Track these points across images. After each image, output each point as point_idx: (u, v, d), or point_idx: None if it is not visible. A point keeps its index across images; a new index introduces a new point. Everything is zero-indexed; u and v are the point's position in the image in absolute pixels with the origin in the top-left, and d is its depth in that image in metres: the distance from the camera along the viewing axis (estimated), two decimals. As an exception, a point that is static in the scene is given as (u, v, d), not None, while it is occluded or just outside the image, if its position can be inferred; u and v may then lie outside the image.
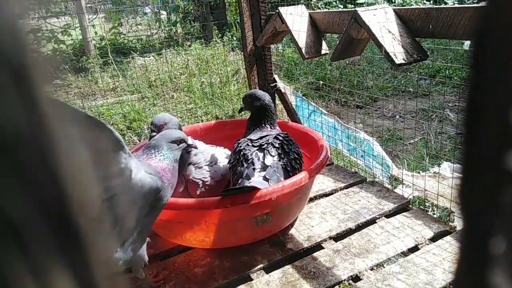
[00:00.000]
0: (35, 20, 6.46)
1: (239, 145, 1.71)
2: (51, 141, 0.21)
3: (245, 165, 1.60)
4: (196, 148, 1.60)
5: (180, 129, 1.73)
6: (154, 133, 1.68)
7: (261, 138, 1.71)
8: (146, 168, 1.24)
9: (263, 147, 1.66)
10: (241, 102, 1.95)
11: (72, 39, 5.96)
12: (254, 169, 1.58)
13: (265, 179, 1.54)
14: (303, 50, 2.01)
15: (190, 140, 1.48)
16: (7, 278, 0.20)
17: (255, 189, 1.42)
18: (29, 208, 0.21)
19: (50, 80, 0.22)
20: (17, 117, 0.20)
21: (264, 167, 1.58)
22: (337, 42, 1.80)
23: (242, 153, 1.65)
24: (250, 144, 1.68)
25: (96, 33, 6.38)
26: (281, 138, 1.70)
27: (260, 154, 1.63)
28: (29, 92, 0.20)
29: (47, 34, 5.72)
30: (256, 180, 1.53)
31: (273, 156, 1.62)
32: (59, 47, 5.84)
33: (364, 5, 5.68)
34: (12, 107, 0.19)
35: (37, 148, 0.21)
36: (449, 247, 1.56)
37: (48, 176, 0.21)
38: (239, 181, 1.56)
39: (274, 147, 1.65)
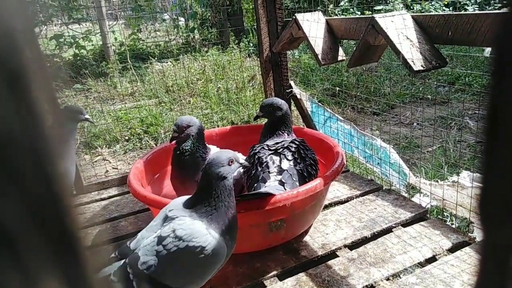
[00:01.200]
0: (58, 26, 6.65)
1: (254, 149, 1.72)
2: (45, 144, 0.21)
3: (260, 169, 1.60)
4: (247, 166, 1.44)
5: (201, 130, 1.75)
6: (175, 134, 1.70)
7: (277, 143, 1.71)
8: (213, 232, 1.14)
9: (278, 151, 1.65)
10: (258, 110, 1.93)
11: (92, 45, 6.10)
12: (269, 172, 1.57)
13: (281, 183, 1.53)
14: (320, 57, 2.00)
15: (241, 159, 1.33)
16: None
17: (270, 195, 1.41)
18: (22, 214, 0.20)
19: (47, 83, 0.22)
20: (11, 119, 0.19)
21: (280, 171, 1.58)
22: (354, 49, 1.79)
23: (256, 156, 1.65)
24: (266, 149, 1.68)
25: (115, 39, 6.51)
26: (297, 143, 1.70)
27: (276, 158, 1.63)
28: (24, 95, 0.20)
29: (69, 40, 5.87)
30: (272, 184, 1.53)
31: (290, 161, 1.61)
32: (80, 53, 5.98)
33: (382, 11, 5.64)
34: (5, 109, 0.19)
35: (31, 151, 0.20)
36: (468, 258, 1.52)
37: (42, 180, 0.21)
38: (255, 185, 1.55)
39: (290, 151, 1.65)
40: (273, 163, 1.61)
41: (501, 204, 0.23)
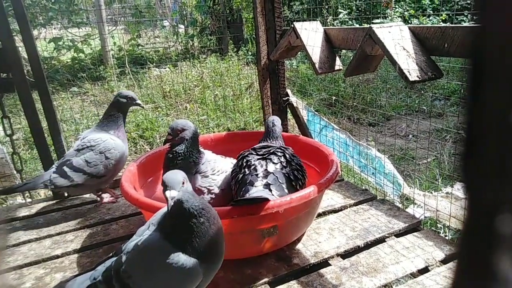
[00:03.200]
0: (57, 29, 6.66)
1: (242, 154, 1.74)
2: None
3: (248, 172, 1.60)
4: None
5: (196, 135, 1.74)
6: (170, 137, 1.70)
7: (263, 148, 1.73)
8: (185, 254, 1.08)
9: (265, 156, 1.67)
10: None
11: (91, 49, 6.11)
12: (257, 175, 1.58)
13: (267, 185, 1.53)
14: (317, 65, 2.01)
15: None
16: None
17: (265, 200, 1.40)
18: None
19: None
20: None
21: (266, 175, 1.58)
22: (351, 58, 1.80)
23: (245, 159, 1.66)
24: (254, 153, 1.70)
25: (114, 43, 6.52)
26: (283, 149, 1.72)
27: (263, 162, 1.65)
28: None
29: (68, 43, 5.87)
30: (259, 188, 1.53)
31: (276, 164, 1.63)
32: (78, 56, 5.98)
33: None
34: None
35: None
36: (460, 270, 1.51)
37: None
38: (243, 188, 1.55)
39: (277, 155, 1.67)
40: (261, 166, 1.62)
41: (486, 162, 0.22)
